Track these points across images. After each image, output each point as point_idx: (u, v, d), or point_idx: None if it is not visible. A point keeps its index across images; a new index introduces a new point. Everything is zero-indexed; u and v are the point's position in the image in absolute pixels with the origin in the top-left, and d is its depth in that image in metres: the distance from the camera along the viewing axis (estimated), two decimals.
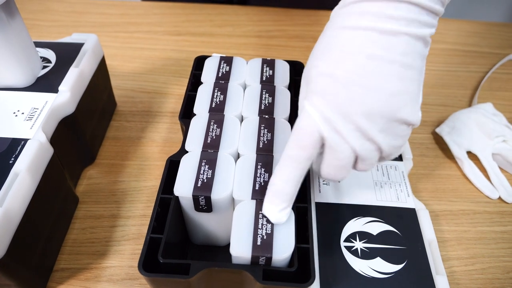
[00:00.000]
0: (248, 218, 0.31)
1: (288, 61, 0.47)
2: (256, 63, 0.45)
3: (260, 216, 0.32)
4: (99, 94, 0.49)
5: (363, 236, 0.39)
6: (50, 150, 0.37)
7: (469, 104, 0.58)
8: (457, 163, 0.50)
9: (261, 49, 0.66)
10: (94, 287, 0.38)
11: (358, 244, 0.38)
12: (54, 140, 0.39)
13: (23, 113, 0.38)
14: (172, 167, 0.36)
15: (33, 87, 0.41)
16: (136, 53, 0.64)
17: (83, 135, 0.45)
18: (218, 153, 0.36)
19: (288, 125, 0.38)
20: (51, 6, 0.74)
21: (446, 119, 0.54)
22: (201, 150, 0.36)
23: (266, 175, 0.34)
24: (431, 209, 0.45)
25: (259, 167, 0.35)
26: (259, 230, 0.31)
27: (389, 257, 0.38)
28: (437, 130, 0.53)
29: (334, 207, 0.41)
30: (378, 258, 0.37)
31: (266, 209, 0.31)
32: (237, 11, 0.73)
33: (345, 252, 0.38)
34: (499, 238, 0.43)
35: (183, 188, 0.33)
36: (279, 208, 0.30)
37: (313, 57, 0.29)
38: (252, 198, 0.33)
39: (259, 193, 0.33)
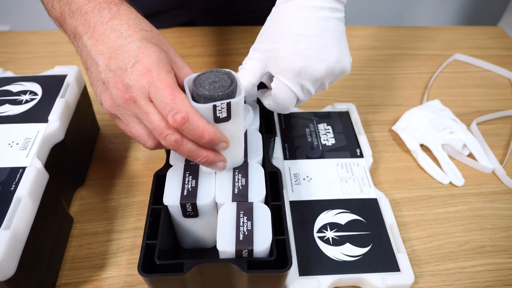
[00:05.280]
0: (231, 218, 0.36)
1: None
2: None
3: (241, 215, 0.36)
4: (84, 120, 0.53)
5: (333, 226, 0.44)
6: (46, 176, 0.41)
7: (421, 102, 0.65)
8: (412, 155, 0.56)
9: (231, 66, 0.71)
10: None
11: (329, 234, 0.44)
12: (48, 165, 0.42)
13: (17, 144, 0.42)
14: (159, 180, 0.41)
15: (25, 118, 0.44)
16: None
17: (73, 159, 0.49)
18: (200, 165, 0.40)
19: (259, 134, 0.43)
20: (27, 38, 0.77)
21: (400, 117, 0.60)
22: (184, 163, 0.41)
23: (243, 179, 0.39)
24: (392, 197, 0.51)
25: (236, 173, 0.40)
26: (240, 227, 0.35)
27: (356, 242, 0.43)
28: (393, 128, 0.59)
29: (306, 204, 0.46)
30: (347, 244, 0.43)
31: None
32: (206, 32, 0.79)
33: (318, 242, 0.43)
34: (451, 218, 0.49)
35: (171, 197, 0.38)
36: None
37: (273, 38, 0.38)
38: (233, 201, 0.37)
39: (238, 196, 0.38)
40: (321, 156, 0.52)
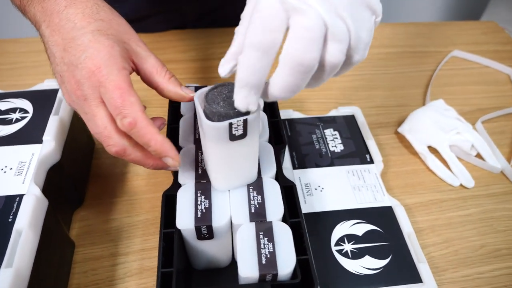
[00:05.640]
0: (251, 240, 0.34)
1: None
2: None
3: (261, 236, 0.34)
4: (78, 136, 0.49)
5: (351, 238, 0.43)
6: (45, 202, 0.38)
7: (423, 102, 0.64)
8: (421, 158, 0.55)
9: None
10: None
11: (347, 246, 0.42)
12: (45, 189, 0.39)
13: (11, 169, 0.39)
14: (168, 201, 0.38)
15: (17, 139, 0.41)
16: None
17: (70, 179, 0.46)
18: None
19: (270, 147, 0.41)
20: (6, 47, 0.72)
21: (405, 118, 0.59)
22: (194, 181, 0.38)
23: (259, 197, 0.37)
24: (405, 203, 0.50)
25: (251, 190, 0.38)
26: (262, 250, 0.34)
27: (376, 254, 0.42)
28: (399, 129, 0.58)
29: (320, 215, 0.45)
30: (367, 256, 0.41)
31: (238, 102, 0.28)
32: (198, 34, 0.76)
33: (337, 255, 0.41)
34: (464, 221, 0.49)
35: (185, 220, 0.35)
36: (250, 98, 0.28)
37: None
38: (251, 221, 0.35)
39: (255, 215, 0.36)
40: (331, 164, 0.50)
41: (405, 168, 0.54)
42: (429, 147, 0.56)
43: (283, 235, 0.34)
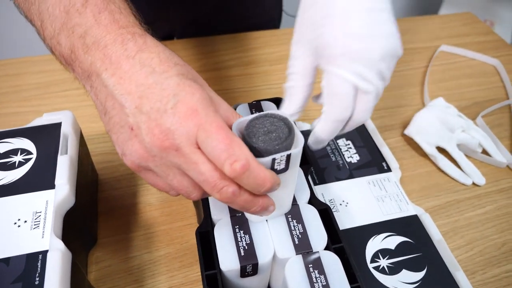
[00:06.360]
0: (301, 275, 0.33)
1: (270, 100, 0.48)
2: (244, 108, 0.46)
3: (311, 269, 0.33)
4: (85, 171, 0.46)
5: (385, 253, 0.43)
6: (69, 255, 0.35)
7: (422, 101, 0.65)
8: (430, 159, 0.56)
9: (224, 82, 0.66)
10: None
11: (383, 262, 0.42)
12: (63, 237, 0.36)
13: (26, 221, 0.35)
14: (202, 239, 0.36)
15: (26, 186, 0.37)
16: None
17: (82, 220, 0.42)
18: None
19: (300, 170, 0.40)
20: None
21: (408, 119, 0.60)
22: (229, 216, 0.36)
23: (299, 226, 0.36)
24: (424, 207, 0.50)
25: (290, 219, 0.36)
26: (315, 284, 0.32)
27: (411, 266, 0.42)
28: (406, 132, 0.58)
29: (351, 232, 0.44)
30: (404, 270, 0.41)
31: (312, 148, 0.37)
32: (186, 45, 0.72)
33: (375, 273, 0.41)
34: (483, 220, 0.50)
35: (228, 260, 0.33)
36: (321, 145, 0.37)
37: (315, 23, 0.32)
38: (297, 253, 0.34)
39: (300, 247, 0.34)
40: (350, 176, 0.49)
41: (418, 171, 0.55)
42: (438, 148, 0.56)
43: (333, 265, 0.33)
